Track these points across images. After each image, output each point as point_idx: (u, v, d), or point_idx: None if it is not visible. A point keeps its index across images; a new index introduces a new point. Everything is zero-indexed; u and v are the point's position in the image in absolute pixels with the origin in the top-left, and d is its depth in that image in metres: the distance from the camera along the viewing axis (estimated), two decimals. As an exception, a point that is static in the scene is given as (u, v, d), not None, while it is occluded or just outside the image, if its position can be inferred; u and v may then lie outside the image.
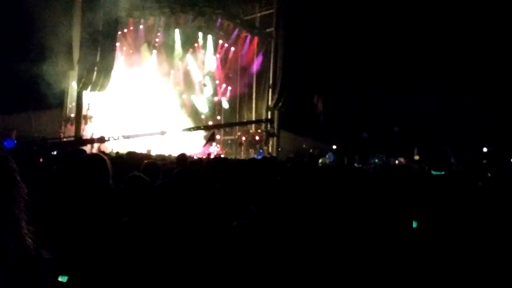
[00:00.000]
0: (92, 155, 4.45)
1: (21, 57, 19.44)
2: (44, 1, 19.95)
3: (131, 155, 10.58)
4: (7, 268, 0.93)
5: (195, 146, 26.66)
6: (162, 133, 23.52)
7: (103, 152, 15.73)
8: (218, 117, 31.45)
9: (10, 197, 0.93)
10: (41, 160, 9.42)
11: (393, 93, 24.76)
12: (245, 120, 30.68)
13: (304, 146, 26.83)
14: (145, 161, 7.00)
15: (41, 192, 3.57)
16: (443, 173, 7.41)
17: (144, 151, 20.01)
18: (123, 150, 20.27)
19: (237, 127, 28.88)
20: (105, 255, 3.17)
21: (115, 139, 22.42)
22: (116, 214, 3.57)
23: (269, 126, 28.71)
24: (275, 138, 28.54)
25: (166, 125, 25.46)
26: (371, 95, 25.11)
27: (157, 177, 6.26)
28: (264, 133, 28.81)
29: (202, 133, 27.65)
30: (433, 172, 7.42)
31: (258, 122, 29.67)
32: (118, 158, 10.46)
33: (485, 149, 21.94)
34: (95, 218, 3.57)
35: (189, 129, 25.90)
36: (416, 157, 22.38)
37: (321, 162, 22.50)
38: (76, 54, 22.46)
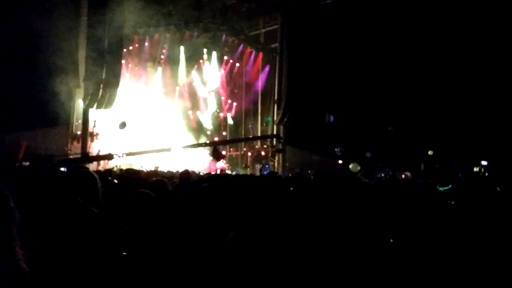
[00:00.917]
0: (83, 172, 4.43)
1: (28, 75, 19.58)
2: (50, 19, 20.11)
3: (130, 172, 10.57)
4: None
5: (202, 162, 26.69)
6: (168, 150, 23.45)
7: (108, 170, 15.76)
8: (224, 133, 31.44)
9: (3, 225, 0.94)
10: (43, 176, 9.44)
11: (399, 107, 24.75)
12: (250, 136, 30.67)
13: (310, 160, 26.73)
14: (154, 179, 7.03)
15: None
16: (449, 187, 7.38)
17: (152, 168, 20.06)
18: (129, 167, 20.32)
19: (280, 142, 28.76)
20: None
21: (119, 156, 22.42)
22: (103, 231, 3.57)
23: (275, 141, 28.64)
24: (281, 154, 28.51)
25: (171, 142, 25.47)
26: (377, 109, 25.08)
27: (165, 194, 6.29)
28: (271, 148, 28.81)
29: (207, 149, 27.62)
30: (440, 188, 7.39)
31: (265, 137, 29.62)
32: (122, 175, 10.50)
33: (484, 162, 21.86)
34: (78, 235, 3.55)
35: (193, 146, 25.77)
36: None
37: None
38: (82, 72, 22.59)
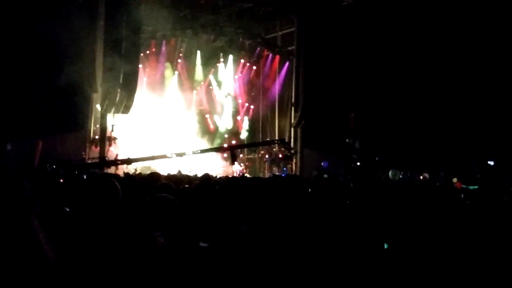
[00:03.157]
0: (104, 181, 4.35)
1: (45, 81, 19.70)
2: (67, 25, 20.22)
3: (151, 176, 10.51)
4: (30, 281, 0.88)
5: (220, 166, 26.73)
6: (180, 155, 23.33)
7: (127, 174, 15.78)
8: (242, 137, 31.39)
9: (23, 215, 0.89)
10: (61, 181, 9.45)
11: (417, 109, 24.56)
12: (268, 139, 30.53)
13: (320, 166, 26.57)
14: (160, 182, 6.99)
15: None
16: (476, 187, 7.32)
17: (174, 172, 20.09)
18: (148, 170, 20.38)
19: (287, 148, 28.48)
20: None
21: (169, 157, 22.47)
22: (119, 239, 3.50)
23: (282, 148, 28.14)
24: (298, 156, 28.36)
25: (188, 146, 25.46)
26: (394, 111, 24.91)
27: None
28: (289, 151, 28.67)
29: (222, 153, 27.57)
30: (469, 187, 7.32)
31: (270, 143, 29.23)
32: (143, 179, 10.48)
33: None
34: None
35: (202, 151, 25.27)
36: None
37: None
38: (99, 77, 22.69)
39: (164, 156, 22.93)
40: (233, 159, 24.47)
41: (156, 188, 6.60)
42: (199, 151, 24.30)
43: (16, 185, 0.91)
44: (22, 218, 0.90)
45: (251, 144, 29.28)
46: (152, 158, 22.85)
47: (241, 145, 29.13)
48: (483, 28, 22.36)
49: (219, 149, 27.15)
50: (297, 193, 6.59)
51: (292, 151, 28.01)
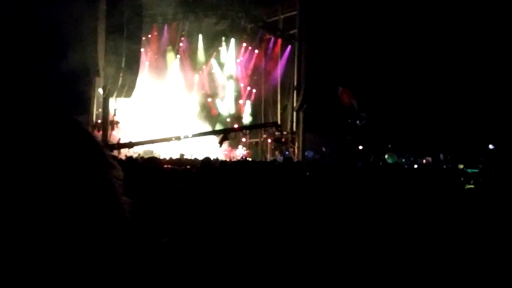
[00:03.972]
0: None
1: (47, 65, 19.72)
2: (68, 9, 20.18)
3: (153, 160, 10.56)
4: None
5: (221, 149, 26.76)
6: (177, 138, 23.35)
7: (131, 158, 15.84)
8: (244, 121, 31.36)
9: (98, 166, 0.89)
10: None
11: (417, 92, 24.54)
12: (260, 123, 30.48)
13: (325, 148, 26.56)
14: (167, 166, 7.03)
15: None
16: (477, 170, 7.36)
17: (177, 156, 20.19)
18: (150, 155, 20.47)
19: (279, 131, 28.39)
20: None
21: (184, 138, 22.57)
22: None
23: (276, 131, 27.98)
24: (300, 140, 28.37)
25: (190, 130, 25.47)
26: (397, 95, 24.89)
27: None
28: (291, 135, 28.65)
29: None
30: (469, 170, 7.37)
31: (264, 126, 29.16)
32: (145, 163, 10.51)
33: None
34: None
35: (194, 135, 25.13)
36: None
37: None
38: (101, 61, 22.68)
39: (161, 140, 23.03)
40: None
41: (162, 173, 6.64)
42: (191, 135, 24.14)
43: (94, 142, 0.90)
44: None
45: (243, 128, 29.09)
46: (152, 141, 22.94)
47: (232, 129, 28.83)
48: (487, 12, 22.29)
49: (212, 133, 26.97)
50: (294, 177, 6.67)
51: (285, 133, 27.84)
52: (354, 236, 3.61)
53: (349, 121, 26.52)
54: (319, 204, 4.23)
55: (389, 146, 24.35)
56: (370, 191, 4.87)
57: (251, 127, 29.35)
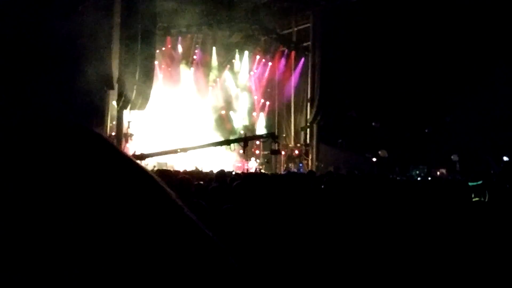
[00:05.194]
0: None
1: (62, 78, 19.82)
2: (83, 22, 20.33)
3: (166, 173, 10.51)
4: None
5: (234, 161, 26.69)
6: (183, 150, 23.13)
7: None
8: (257, 133, 31.25)
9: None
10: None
11: (435, 104, 24.42)
12: (283, 135, 30.39)
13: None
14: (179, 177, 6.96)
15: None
16: (480, 182, 7.27)
17: (191, 168, 20.12)
18: (164, 167, 20.47)
19: (276, 142, 28.19)
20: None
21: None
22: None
23: (272, 142, 27.39)
24: (314, 152, 28.29)
25: (203, 142, 25.37)
26: (409, 107, 24.79)
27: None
28: (295, 150, 28.51)
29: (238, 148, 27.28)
30: (470, 184, 7.27)
31: (260, 137, 28.67)
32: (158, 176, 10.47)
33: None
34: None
35: (202, 146, 24.71)
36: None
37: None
38: (115, 73, 22.78)
39: (170, 152, 22.93)
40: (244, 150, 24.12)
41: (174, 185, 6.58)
42: (192, 147, 23.88)
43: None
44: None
45: (242, 139, 28.64)
46: (159, 154, 22.88)
47: (231, 140, 28.29)
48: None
49: (219, 143, 26.70)
50: (310, 189, 6.60)
51: (277, 147, 27.18)
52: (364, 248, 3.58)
53: (373, 124, 26.41)
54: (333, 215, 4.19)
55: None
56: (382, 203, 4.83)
57: (248, 138, 28.73)
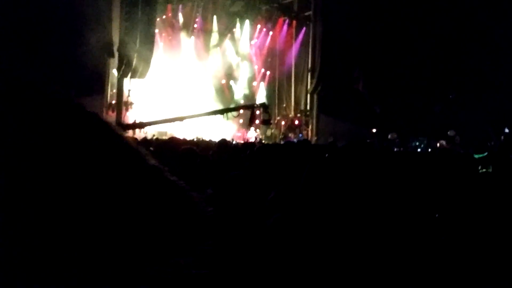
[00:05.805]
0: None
1: (63, 45, 19.73)
2: None
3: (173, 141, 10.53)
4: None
5: (237, 130, 26.76)
6: (180, 119, 23.04)
7: (146, 139, 15.86)
8: (257, 102, 31.17)
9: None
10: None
11: (436, 72, 24.35)
12: (284, 105, 30.38)
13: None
14: (183, 147, 6.95)
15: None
16: (485, 154, 7.30)
17: (192, 137, 20.14)
18: (164, 136, 20.47)
19: (276, 111, 28.17)
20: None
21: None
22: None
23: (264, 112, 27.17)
24: (314, 122, 28.32)
25: (203, 111, 25.31)
26: (411, 78, 24.71)
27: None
28: (295, 120, 28.48)
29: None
30: (476, 156, 7.29)
31: (250, 107, 28.44)
32: (160, 144, 10.51)
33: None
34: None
35: (199, 115, 24.47)
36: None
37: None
38: (116, 42, 22.68)
39: (169, 120, 22.87)
40: (250, 122, 24.15)
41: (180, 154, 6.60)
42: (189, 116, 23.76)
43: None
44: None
45: (233, 108, 28.25)
46: (157, 122, 22.84)
47: (224, 110, 27.89)
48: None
49: (212, 113, 26.51)
50: (312, 158, 6.59)
51: (267, 117, 27.06)
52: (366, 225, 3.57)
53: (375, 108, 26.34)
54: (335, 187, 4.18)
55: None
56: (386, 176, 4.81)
57: (239, 107, 28.34)
